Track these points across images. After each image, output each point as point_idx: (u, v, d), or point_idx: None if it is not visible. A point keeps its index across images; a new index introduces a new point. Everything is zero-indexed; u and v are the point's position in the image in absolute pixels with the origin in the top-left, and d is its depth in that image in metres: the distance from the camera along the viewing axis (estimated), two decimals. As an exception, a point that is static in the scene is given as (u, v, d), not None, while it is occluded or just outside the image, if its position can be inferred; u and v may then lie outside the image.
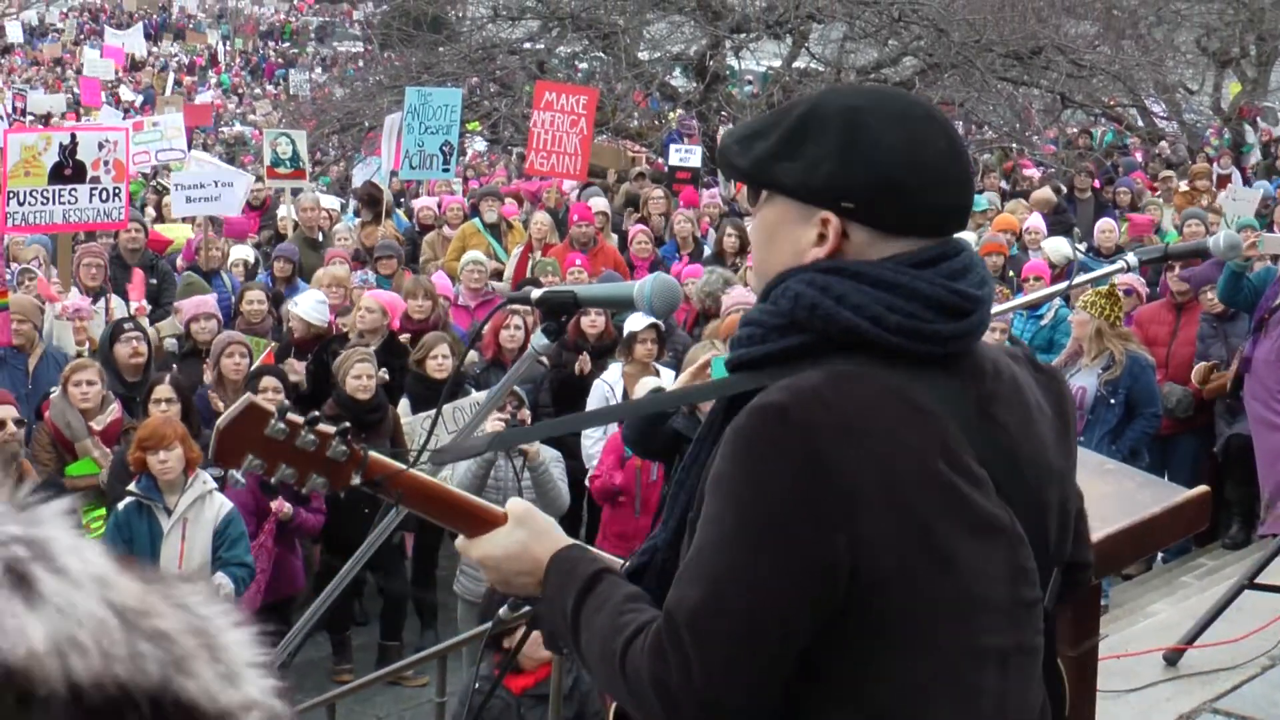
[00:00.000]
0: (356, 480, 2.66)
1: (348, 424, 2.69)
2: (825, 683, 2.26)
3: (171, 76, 51.81)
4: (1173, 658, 6.51)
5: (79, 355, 10.82)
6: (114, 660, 0.79)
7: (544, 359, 11.25)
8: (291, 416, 2.61)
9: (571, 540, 2.66)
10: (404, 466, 2.70)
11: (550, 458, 9.57)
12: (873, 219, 2.35)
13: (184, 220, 16.29)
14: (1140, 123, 29.13)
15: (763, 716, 2.26)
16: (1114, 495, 4.17)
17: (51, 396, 9.81)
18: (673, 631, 2.23)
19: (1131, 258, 5.03)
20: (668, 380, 9.87)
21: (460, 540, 2.72)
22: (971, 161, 2.76)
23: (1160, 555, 10.04)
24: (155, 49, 58.08)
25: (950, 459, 2.26)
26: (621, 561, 2.64)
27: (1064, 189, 20.21)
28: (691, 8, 25.32)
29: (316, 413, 2.66)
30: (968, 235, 15.75)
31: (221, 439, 2.63)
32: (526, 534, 2.64)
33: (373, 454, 2.67)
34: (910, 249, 2.34)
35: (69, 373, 9.68)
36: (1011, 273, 13.74)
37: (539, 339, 2.92)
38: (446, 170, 18.21)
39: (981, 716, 2.31)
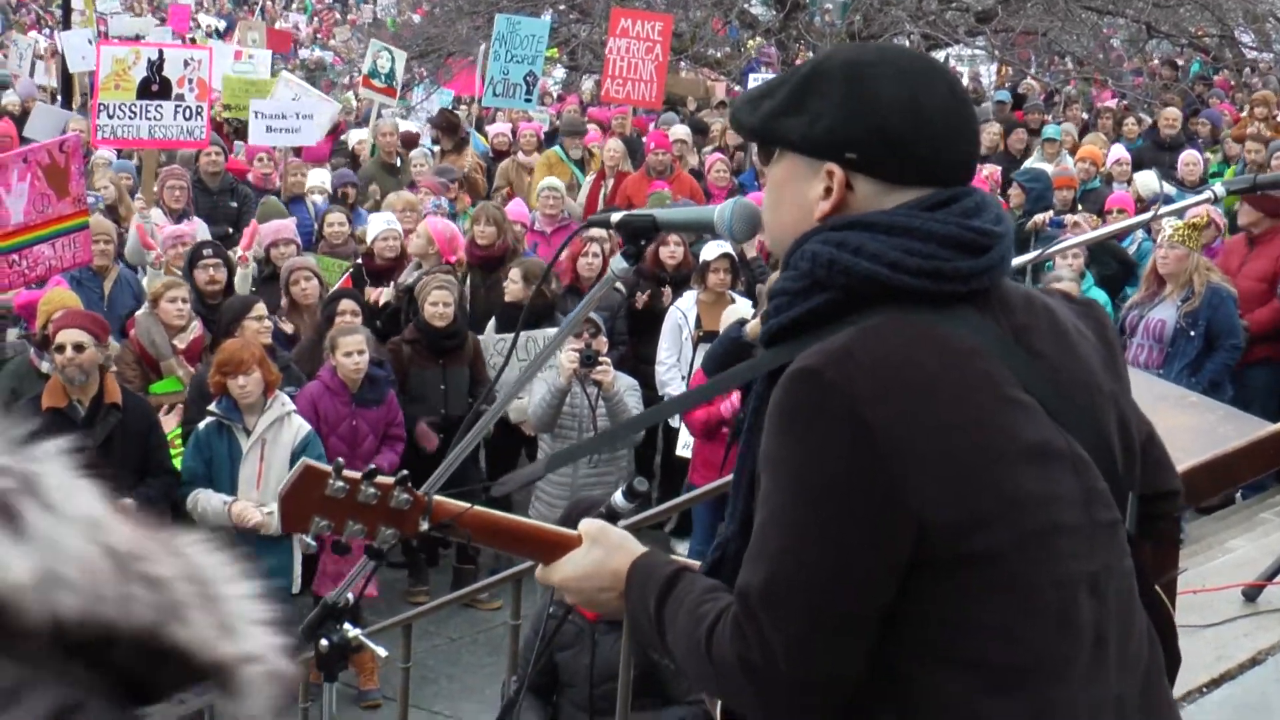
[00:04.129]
0: (425, 526, 2.67)
1: (406, 472, 2.69)
2: (917, 639, 2.22)
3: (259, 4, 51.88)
4: (1251, 594, 6.42)
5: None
6: (102, 600, 0.78)
7: (620, 287, 11.24)
8: (349, 473, 2.63)
9: (645, 548, 2.65)
10: (468, 506, 2.71)
11: (626, 386, 9.56)
12: (876, 169, 2.33)
13: (262, 151, 16.24)
14: (1228, 54, 28.60)
15: (854, 683, 2.23)
16: (1194, 428, 4.13)
17: (137, 315, 9.90)
18: (748, 611, 2.22)
19: (1219, 188, 4.94)
20: (744, 309, 9.83)
21: (539, 570, 2.71)
22: (977, 114, 2.73)
23: (1240, 491, 9.91)
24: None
25: (994, 391, 2.23)
26: (702, 553, 2.64)
27: (1149, 120, 19.94)
28: (773, -67, 25.12)
29: (373, 466, 2.69)
30: (1043, 165, 15.72)
31: (285, 506, 2.65)
32: (602, 551, 2.64)
33: (437, 498, 2.69)
34: (919, 196, 2.32)
35: (161, 289, 9.77)
36: (1081, 206, 13.61)
37: (618, 262, 2.88)
38: (529, 100, 18.18)
39: (1082, 644, 2.25)
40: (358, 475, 2.63)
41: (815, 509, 2.18)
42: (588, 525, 2.70)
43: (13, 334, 9.84)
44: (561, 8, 25.49)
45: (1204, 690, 5.82)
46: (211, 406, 8.55)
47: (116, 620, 0.79)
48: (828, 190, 2.34)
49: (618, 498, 3.53)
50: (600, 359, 9.35)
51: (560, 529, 2.74)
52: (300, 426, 8.62)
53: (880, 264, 2.23)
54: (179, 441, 8.86)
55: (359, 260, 11.81)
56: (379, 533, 2.65)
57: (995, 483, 2.19)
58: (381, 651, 3.62)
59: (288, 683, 0.87)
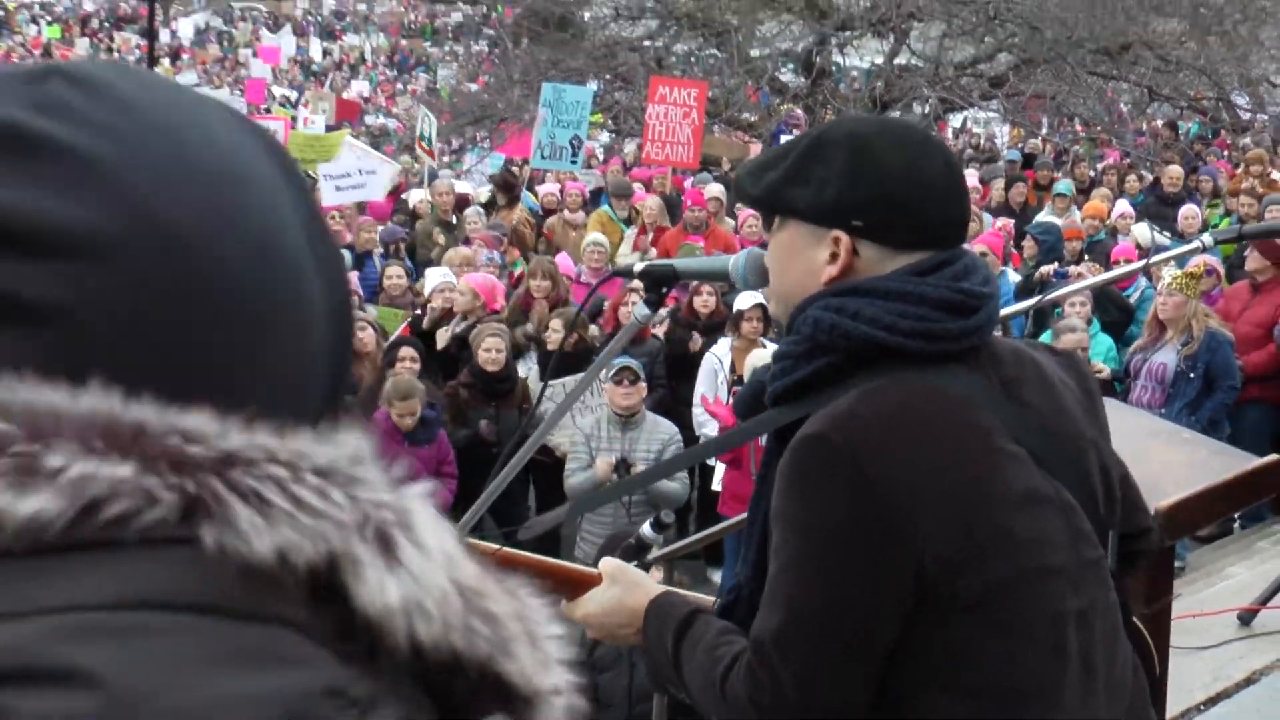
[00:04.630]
0: None
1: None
2: (919, 671, 2.23)
3: (330, 78, 52.28)
4: (1246, 617, 6.42)
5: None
6: (452, 629, 0.84)
7: (658, 333, 11.30)
8: None
9: (664, 588, 2.67)
10: (499, 547, 2.71)
11: (667, 436, 9.61)
12: (880, 235, 2.32)
13: (333, 210, 16.30)
14: (1225, 115, 28.62)
15: (859, 714, 2.24)
16: (1188, 462, 4.11)
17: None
18: (760, 654, 2.24)
19: (1207, 238, 4.93)
20: (769, 354, 9.83)
21: (563, 605, 2.71)
22: (964, 176, 2.74)
23: (1238, 521, 9.86)
24: (309, 49, 58.63)
25: (986, 441, 2.23)
26: (714, 601, 2.63)
27: (1151, 178, 19.93)
28: (799, 7, 25.17)
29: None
30: (1052, 219, 15.72)
31: None
32: (621, 590, 2.65)
33: (469, 540, 2.68)
34: (913, 262, 2.32)
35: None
36: (1087, 256, 13.62)
37: (640, 309, 2.91)
38: (574, 162, 18.24)
39: (1070, 674, 2.26)
40: None
41: (821, 562, 2.21)
42: (607, 564, 2.72)
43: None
44: (607, 77, 25.57)
45: (1201, 708, 5.82)
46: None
47: (461, 650, 0.84)
48: (834, 256, 2.33)
49: (646, 529, 3.54)
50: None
51: (582, 568, 2.77)
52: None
53: (877, 327, 2.24)
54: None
55: (417, 311, 11.87)
56: None
57: (990, 525, 2.20)
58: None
59: (579, 716, 0.91)
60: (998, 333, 2.54)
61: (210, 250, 0.86)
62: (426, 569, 0.84)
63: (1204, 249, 5.06)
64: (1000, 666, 2.21)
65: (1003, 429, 2.25)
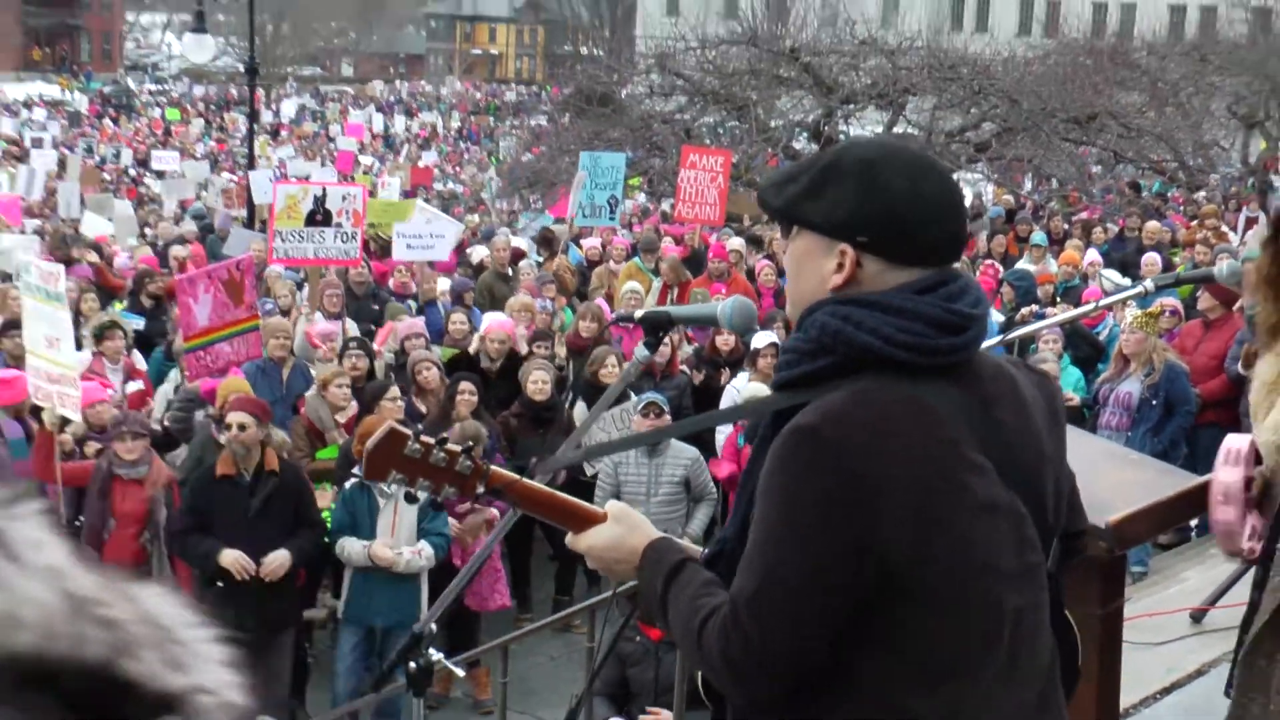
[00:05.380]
0: (480, 489, 2.65)
1: (471, 443, 2.68)
2: (871, 640, 2.24)
3: (405, 149, 52.57)
4: (1198, 616, 6.34)
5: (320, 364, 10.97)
6: (56, 638, 0.79)
7: (686, 369, 11.27)
8: (424, 439, 2.61)
9: (660, 533, 2.64)
10: (518, 477, 2.69)
11: (690, 458, 9.55)
12: (883, 250, 2.31)
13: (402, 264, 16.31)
14: (1181, 175, 28.58)
15: (815, 673, 2.26)
16: (1137, 482, 4.07)
17: (306, 396, 9.99)
18: (735, 614, 2.26)
19: (1149, 282, 4.92)
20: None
21: (569, 536, 2.70)
22: (966, 200, 2.72)
23: (1194, 530, 9.76)
24: (391, 125, 59.03)
25: (957, 452, 2.22)
26: (702, 550, 2.62)
27: (1116, 229, 19.87)
28: (810, 84, 25.30)
29: (445, 434, 2.67)
30: (1027, 265, 15.64)
31: (370, 458, 2.62)
32: (623, 529, 2.62)
33: (493, 468, 2.67)
34: (914, 278, 2.30)
35: (330, 376, 9.86)
36: (1061, 299, 13.61)
37: (640, 350, 2.88)
38: (611, 219, 18.26)
39: (994, 660, 2.28)
40: (431, 441, 2.61)
41: (797, 538, 2.21)
42: (612, 505, 2.69)
43: (199, 415, 9.93)
44: (643, 147, 25.67)
45: (1157, 697, 5.75)
46: (355, 470, 8.57)
47: (66, 655, 0.79)
48: (840, 266, 2.32)
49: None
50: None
51: (591, 506, 2.72)
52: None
53: (876, 337, 2.24)
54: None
55: (469, 349, 11.85)
56: (443, 489, 2.63)
57: (948, 527, 2.20)
58: (460, 672, 3.58)
59: (239, 712, 0.86)
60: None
61: None
62: (22, 583, 0.80)
63: (1146, 293, 5.04)
64: (935, 641, 2.23)
65: (973, 441, 2.24)
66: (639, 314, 2.86)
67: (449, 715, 8.88)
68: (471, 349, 11.56)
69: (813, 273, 2.37)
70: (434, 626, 3.01)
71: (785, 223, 2.44)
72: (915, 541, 2.17)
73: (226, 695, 0.85)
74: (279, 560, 8.03)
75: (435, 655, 3.00)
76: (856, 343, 2.25)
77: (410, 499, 2.71)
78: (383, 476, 2.63)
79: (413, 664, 2.98)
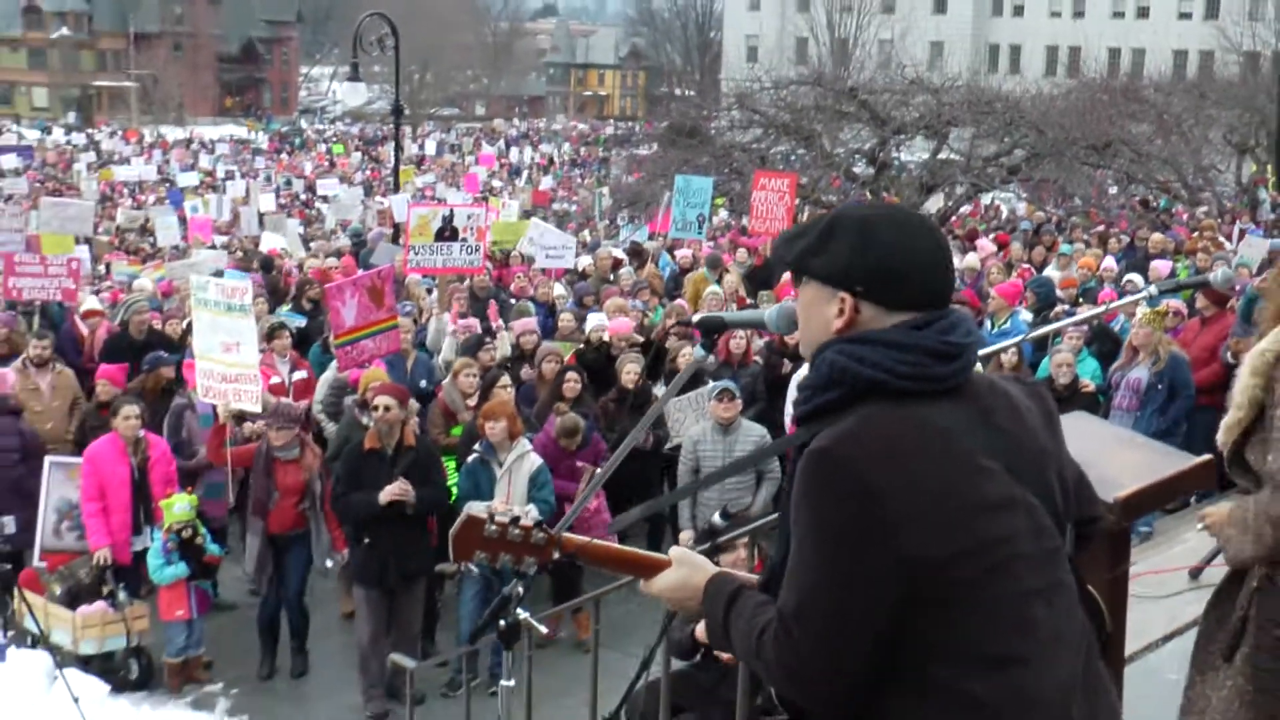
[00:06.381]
0: (557, 555, 2.60)
1: (541, 519, 2.62)
2: (917, 644, 2.15)
3: (525, 174, 52.79)
4: (1195, 573, 6.19)
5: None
6: None
7: (759, 359, 11.13)
8: (499, 519, 2.57)
9: (720, 569, 2.56)
10: (589, 540, 2.65)
11: (758, 435, 9.35)
12: (878, 298, 2.25)
13: (542, 272, 16.28)
14: (1184, 194, 28.33)
15: (864, 675, 2.17)
16: (1142, 463, 3.96)
17: (444, 383, 10.07)
18: (783, 625, 2.20)
19: (1153, 288, 4.77)
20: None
21: (641, 584, 2.64)
22: (953, 250, 2.63)
23: (1195, 497, 9.50)
24: (518, 154, 59.30)
25: (966, 460, 2.15)
26: (757, 578, 2.55)
27: (1128, 239, 19.55)
28: (867, 118, 25.17)
29: (518, 514, 2.62)
30: (1054, 271, 15.32)
31: (455, 543, 2.59)
32: (686, 570, 2.55)
33: (565, 535, 2.62)
34: (909, 319, 2.23)
35: (460, 367, 9.90)
36: (1082, 299, 13.37)
37: (698, 350, 2.81)
38: (700, 233, 18.28)
39: (1040, 639, 2.18)
40: (506, 520, 2.57)
41: (828, 556, 2.13)
42: (675, 551, 2.62)
43: (347, 399, 10.00)
44: (726, 171, 25.60)
45: (1159, 644, 5.65)
46: (476, 446, 8.58)
47: None
48: (840, 311, 2.27)
49: (716, 518, 3.41)
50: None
51: (656, 555, 2.65)
52: (534, 460, 8.57)
53: (880, 370, 2.19)
54: (452, 473, 8.91)
55: (581, 344, 11.84)
56: (524, 562, 2.59)
57: (969, 529, 2.12)
58: (542, 629, 3.50)
59: None
60: (1006, 355, 2.41)
61: None
62: None
63: (1150, 298, 4.88)
64: (982, 632, 2.14)
65: (980, 449, 2.18)
66: (695, 318, 2.79)
67: (555, 653, 8.84)
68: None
69: (818, 318, 2.32)
70: (521, 590, 2.94)
71: (794, 274, 2.39)
72: (939, 544, 2.09)
73: None
74: (401, 488, 8.11)
75: (522, 614, 2.96)
76: (863, 376, 2.20)
77: (495, 575, 2.65)
78: (469, 557, 2.59)
79: (502, 621, 2.93)
